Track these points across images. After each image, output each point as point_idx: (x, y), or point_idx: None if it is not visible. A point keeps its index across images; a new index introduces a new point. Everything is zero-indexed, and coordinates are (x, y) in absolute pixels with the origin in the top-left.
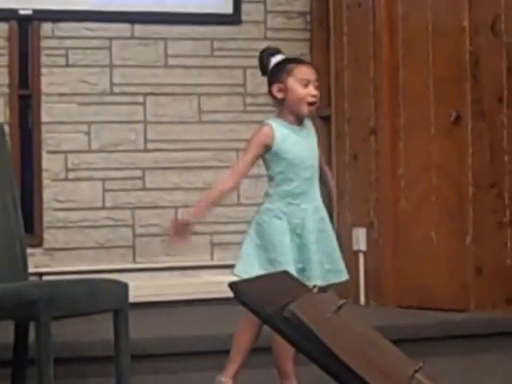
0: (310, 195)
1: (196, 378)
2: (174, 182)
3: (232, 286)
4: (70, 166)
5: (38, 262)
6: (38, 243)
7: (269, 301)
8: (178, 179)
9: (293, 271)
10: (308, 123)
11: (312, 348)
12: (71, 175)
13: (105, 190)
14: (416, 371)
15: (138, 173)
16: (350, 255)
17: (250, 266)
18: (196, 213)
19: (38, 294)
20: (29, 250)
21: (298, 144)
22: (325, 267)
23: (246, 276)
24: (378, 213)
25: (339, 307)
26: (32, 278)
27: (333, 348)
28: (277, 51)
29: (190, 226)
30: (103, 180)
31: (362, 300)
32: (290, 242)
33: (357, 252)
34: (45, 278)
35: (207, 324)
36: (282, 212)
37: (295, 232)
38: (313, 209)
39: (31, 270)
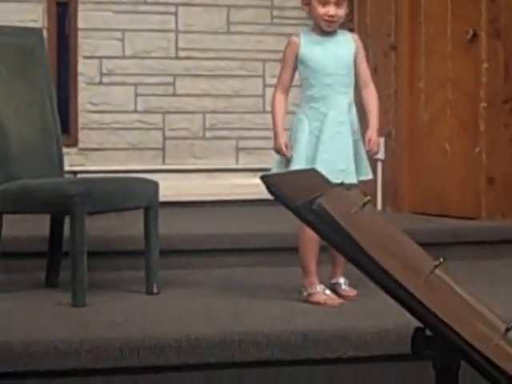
0: (330, 101)
1: (219, 273)
2: (203, 88)
3: (263, 178)
4: (104, 70)
5: (72, 161)
6: (73, 143)
7: (298, 194)
8: (207, 86)
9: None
10: (343, 35)
11: (338, 239)
12: (105, 80)
13: (137, 95)
14: (436, 266)
15: (169, 79)
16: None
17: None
18: (280, 141)
19: (73, 189)
20: (64, 150)
21: (322, 52)
22: (338, 167)
23: None
24: (396, 124)
25: (364, 204)
26: (67, 176)
27: (358, 240)
28: None
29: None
30: (136, 85)
31: (379, 206)
32: (306, 143)
33: (375, 160)
34: (79, 176)
35: (231, 223)
36: (305, 114)
37: (314, 134)
38: (332, 113)
39: (66, 168)
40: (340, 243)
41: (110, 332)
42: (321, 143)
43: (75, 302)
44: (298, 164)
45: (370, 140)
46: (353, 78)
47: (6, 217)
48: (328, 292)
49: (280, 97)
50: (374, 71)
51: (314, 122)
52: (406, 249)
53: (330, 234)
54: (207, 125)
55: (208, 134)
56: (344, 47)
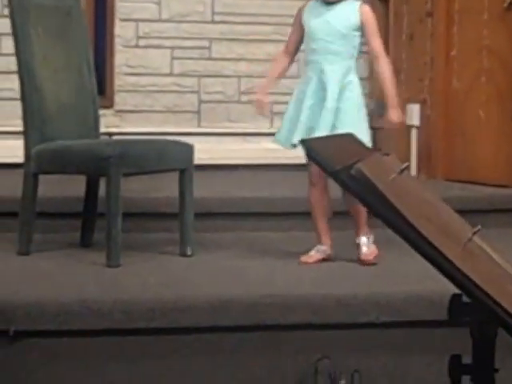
0: (315, 65)
1: (253, 236)
2: (238, 52)
3: (303, 142)
4: (140, 33)
5: (108, 122)
6: (109, 105)
7: (337, 159)
8: (243, 50)
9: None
10: (349, 6)
11: (377, 204)
12: (142, 42)
13: (173, 58)
14: (474, 233)
15: (205, 43)
16: (403, 130)
17: None
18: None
19: (109, 151)
20: (100, 111)
21: (316, 18)
22: (314, 134)
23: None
24: (431, 91)
25: (402, 170)
26: (103, 137)
27: (396, 205)
28: None
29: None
30: (172, 48)
31: (414, 172)
32: (292, 107)
33: (410, 127)
34: (114, 138)
35: (265, 187)
36: (302, 79)
37: (299, 97)
38: (317, 78)
39: (102, 129)
40: (378, 208)
41: (143, 293)
42: (302, 108)
43: (109, 262)
44: (283, 125)
45: (389, 121)
46: (347, 48)
47: (41, 177)
48: (317, 252)
49: (279, 55)
50: (410, 38)
51: (302, 85)
52: (444, 215)
53: (369, 198)
54: (242, 89)
55: (243, 98)
56: (341, 17)
